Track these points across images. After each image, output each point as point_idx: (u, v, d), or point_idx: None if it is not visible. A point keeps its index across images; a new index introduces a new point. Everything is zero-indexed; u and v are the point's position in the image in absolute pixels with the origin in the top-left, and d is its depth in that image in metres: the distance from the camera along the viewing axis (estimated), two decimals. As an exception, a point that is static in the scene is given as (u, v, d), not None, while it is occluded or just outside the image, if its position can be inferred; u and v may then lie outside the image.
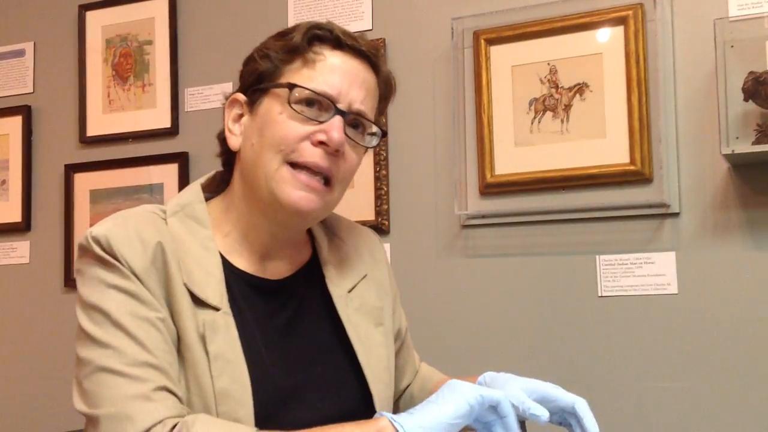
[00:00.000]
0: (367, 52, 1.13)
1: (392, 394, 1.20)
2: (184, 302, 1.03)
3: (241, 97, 1.14)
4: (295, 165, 1.08)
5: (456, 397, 0.95)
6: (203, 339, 1.02)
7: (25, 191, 2.70)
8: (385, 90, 1.19)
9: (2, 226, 2.73)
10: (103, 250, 1.03)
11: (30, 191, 2.72)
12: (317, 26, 1.12)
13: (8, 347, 2.70)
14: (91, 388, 0.97)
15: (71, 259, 2.59)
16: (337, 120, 1.08)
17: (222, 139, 1.17)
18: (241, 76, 1.17)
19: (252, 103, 1.13)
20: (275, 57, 1.11)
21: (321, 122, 1.08)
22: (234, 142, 1.14)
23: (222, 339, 1.03)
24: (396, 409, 1.31)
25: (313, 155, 1.07)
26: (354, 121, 1.12)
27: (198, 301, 1.04)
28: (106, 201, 2.60)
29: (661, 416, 1.97)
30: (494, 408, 0.96)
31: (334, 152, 1.08)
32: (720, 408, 1.92)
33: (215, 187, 1.19)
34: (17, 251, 2.71)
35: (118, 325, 0.99)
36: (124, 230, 1.04)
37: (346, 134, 1.09)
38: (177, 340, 1.02)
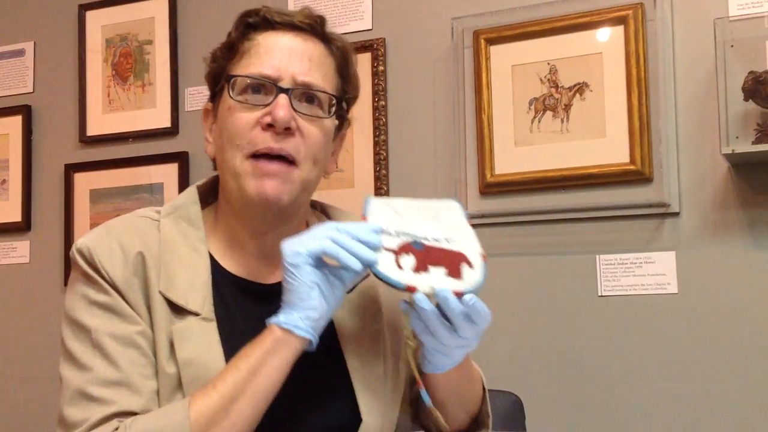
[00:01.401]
0: (301, 24, 1.10)
1: (390, 393, 1.15)
2: (161, 313, 1.02)
3: (209, 105, 1.15)
4: (255, 156, 1.06)
5: (299, 265, 0.96)
6: (172, 348, 1.01)
7: (25, 191, 2.70)
8: (342, 56, 1.15)
9: (2, 226, 2.73)
10: (86, 262, 1.03)
11: (30, 191, 2.72)
12: (247, 14, 1.11)
13: (8, 347, 2.70)
14: (67, 414, 1.00)
15: (71, 259, 2.59)
16: (281, 98, 1.05)
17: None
18: (207, 84, 1.18)
19: (214, 109, 1.13)
20: (219, 57, 1.12)
21: (267, 105, 1.06)
22: (209, 150, 1.14)
23: (194, 345, 1.02)
24: (416, 410, 1.27)
25: (265, 140, 1.05)
26: (307, 95, 1.09)
27: (177, 309, 1.03)
28: (106, 201, 2.61)
29: (661, 416, 1.97)
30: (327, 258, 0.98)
31: (285, 131, 1.05)
32: (720, 407, 1.92)
33: (215, 192, 1.18)
34: (17, 251, 2.71)
35: (96, 344, 1.00)
36: (107, 240, 1.04)
37: (297, 110, 1.06)
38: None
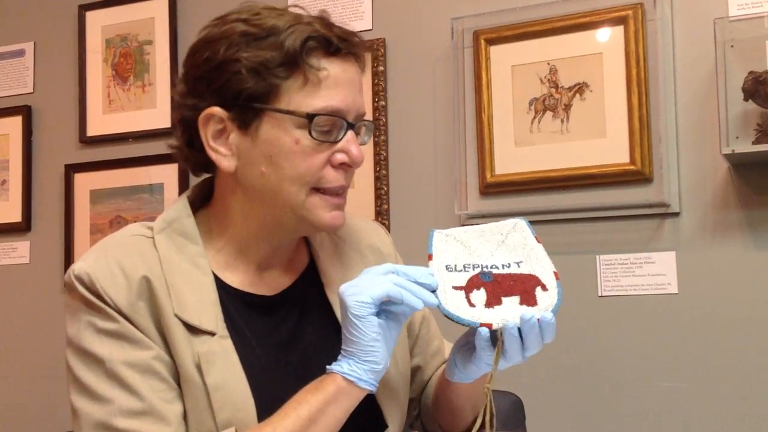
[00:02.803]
0: (360, 53, 1.08)
1: (403, 396, 1.17)
2: (178, 334, 1.00)
3: (219, 111, 1.04)
4: (321, 190, 1.05)
5: (364, 317, 0.96)
6: (200, 371, 1.00)
7: (25, 191, 2.70)
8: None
9: (2, 226, 2.73)
10: (87, 289, 1.00)
11: (30, 191, 2.71)
12: (312, 36, 1.02)
13: (8, 347, 2.70)
14: None
15: (71, 259, 2.59)
16: (351, 135, 1.05)
17: (190, 148, 1.10)
18: (211, 83, 1.04)
19: (243, 122, 1.03)
20: (269, 73, 1.01)
21: (334, 142, 1.04)
22: (227, 163, 1.05)
23: (220, 368, 1.01)
24: (419, 404, 1.28)
25: (338, 179, 1.05)
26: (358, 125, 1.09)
27: (192, 329, 1.01)
28: (106, 201, 2.61)
29: (661, 416, 1.97)
30: (393, 300, 0.97)
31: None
32: (720, 408, 1.92)
33: (204, 198, 1.15)
34: (17, 251, 2.71)
35: (112, 375, 0.98)
36: (106, 264, 1.01)
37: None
38: (176, 372, 1.01)
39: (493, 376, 1.00)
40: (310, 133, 1.02)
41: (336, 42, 1.03)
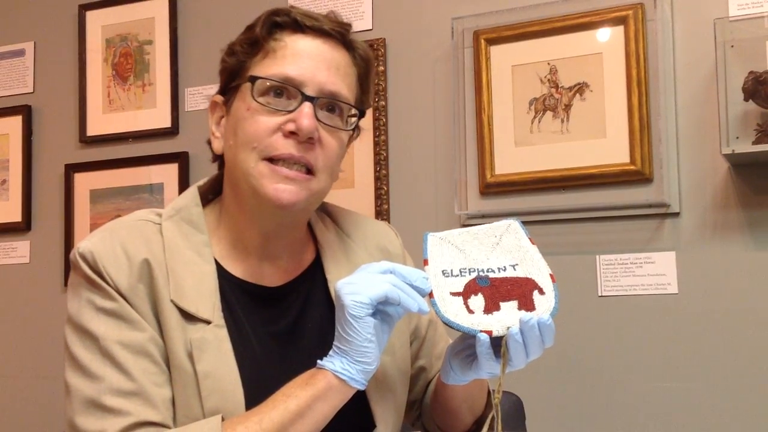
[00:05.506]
0: (332, 30, 1.08)
1: (400, 396, 1.16)
2: (173, 320, 1.01)
3: (219, 98, 1.12)
4: (272, 159, 1.04)
5: (362, 317, 0.96)
6: (191, 358, 1.00)
7: (25, 191, 2.70)
8: (365, 66, 1.13)
9: (2, 226, 2.73)
10: (90, 267, 1.02)
11: (30, 191, 2.72)
12: (276, 12, 1.08)
13: (8, 347, 2.70)
14: (81, 424, 0.98)
15: (71, 259, 2.59)
16: (306, 107, 1.04)
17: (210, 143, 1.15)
18: (219, 76, 1.14)
19: (227, 103, 1.11)
20: (240, 51, 1.08)
21: (290, 111, 1.04)
22: (217, 145, 1.11)
23: (212, 356, 1.01)
24: (420, 405, 1.28)
25: (287, 146, 1.04)
26: (329, 104, 1.07)
27: (188, 316, 1.02)
28: (106, 201, 2.61)
29: (661, 416, 1.97)
30: (390, 301, 0.97)
31: (307, 141, 1.04)
32: (720, 408, 1.92)
33: (216, 190, 1.16)
34: (17, 251, 2.71)
35: (106, 353, 0.98)
36: (111, 245, 1.03)
37: (319, 119, 1.05)
38: (168, 357, 1.01)
39: (501, 385, 0.99)
40: (253, 97, 1.05)
41: (298, 17, 1.07)
